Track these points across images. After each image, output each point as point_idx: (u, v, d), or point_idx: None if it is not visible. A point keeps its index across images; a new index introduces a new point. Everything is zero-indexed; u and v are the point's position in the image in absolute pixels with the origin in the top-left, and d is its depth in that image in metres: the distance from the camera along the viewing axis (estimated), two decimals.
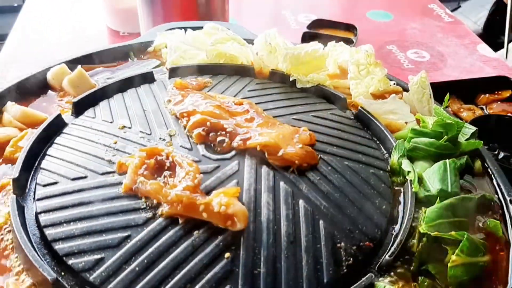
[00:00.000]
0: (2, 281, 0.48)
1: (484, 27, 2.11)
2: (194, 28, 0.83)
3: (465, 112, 1.03)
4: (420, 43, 1.39)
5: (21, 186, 0.55)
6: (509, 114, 1.03)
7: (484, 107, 1.06)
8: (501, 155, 0.83)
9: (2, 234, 0.52)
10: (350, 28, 1.37)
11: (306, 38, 1.29)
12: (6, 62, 1.21)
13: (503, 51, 1.47)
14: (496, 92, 1.08)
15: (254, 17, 1.51)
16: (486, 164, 0.62)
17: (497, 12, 2.14)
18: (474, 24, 2.16)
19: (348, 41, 1.28)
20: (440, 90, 1.05)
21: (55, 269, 0.46)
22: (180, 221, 0.49)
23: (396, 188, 0.57)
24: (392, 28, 1.47)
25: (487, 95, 1.07)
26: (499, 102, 1.07)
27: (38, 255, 0.47)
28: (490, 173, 0.61)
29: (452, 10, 2.35)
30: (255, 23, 1.46)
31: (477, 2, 2.27)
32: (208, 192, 0.51)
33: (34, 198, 0.53)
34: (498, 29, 2.05)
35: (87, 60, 0.80)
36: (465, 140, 0.63)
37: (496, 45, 1.56)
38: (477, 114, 0.99)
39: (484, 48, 1.37)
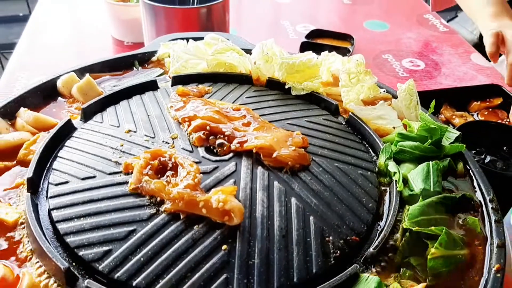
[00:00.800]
0: (18, 271, 0.52)
1: (479, 36, 2.15)
2: (195, 39, 0.86)
3: (457, 118, 1.06)
4: (415, 52, 1.43)
5: (34, 185, 0.58)
6: (499, 121, 1.07)
7: (476, 114, 1.10)
8: (488, 159, 0.87)
9: (17, 229, 0.57)
10: (347, 37, 1.41)
11: (305, 47, 1.33)
12: (14, 70, 1.24)
13: (503, 57, 1.51)
14: (487, 100, 1.12)
15: (254, 27, 1.55)
16: (468, 166, 0.66)
17: None
18: (470, 33, 2.20)
19: (345, 50, 1.33)
20: (433, 98, 1.09)
21: (67, 259, 0.50)
22: (181, 217, 0.53)
23: (383, 188, 0.61)
24: (388, 37, 1.51)
25: (479, 102, 1.11)
26: (490, 109, 1.10)
27: (52, 247, 0.51)
28: (472, 174, 0.65)
29: (449, 20, 2.39)
30: (255, 33, 1.51)
31: None
32: (207, 190, 0.55)
33: (47, 196, 0.57)
34: None
35: (95, 69, 0.83)
36: (449, 143, 0.67)
37: None
38: (469, 121, 1.03)
39: (477, 57, 1.41)
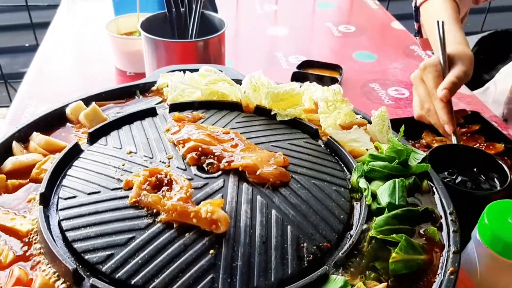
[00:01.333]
0: (31, 273, 0.59)
1: None
2: (191, 70, 0.94)
3: (436, 143, 1.14)
4: (400, 81, 1.52)
5: (46, 199, 0.66)
6: (476, 145, 1.15)
7: None
8: (459, 179, 0.94)
9: (30, 238, 0.64)
10: (336, 68, 1.50)
11: (296, 77, 1.43)
12: (23, 98, 1.33)
13: (487, 86, 1.59)
14: (467, 126, 1.20)
15: (250, 58, 1.65)
16: (432, 184, 0.74)
17: (481, 52, 2.29)
18: None
19: (334, 80, 1.42)
20: (414, 124, 1.18)
21: (75, 262, 0.57)
22: (175, 226, 0.60)
23: (354, 202, 0.69)
24: (375, 67, 1.60)
25: (458, 128, 1.19)
26: (469, 134, 1.18)
27: (61, 252, 0.58)
28: (435, 190, 0.72)
29: None
30: (250, 64, 1.61)
31: None
32: (198, 203, 0.63)
33: (57, 209, 0.64)
34: (482, 68, 2.20)
35: (100, 97, 0.91)
36: (417, 163, 0.75)
37: (479, 82, 1.68)
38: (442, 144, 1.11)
39: None
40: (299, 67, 1.50)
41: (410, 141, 1.16)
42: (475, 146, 1.12)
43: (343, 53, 1.70)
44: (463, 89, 1.46)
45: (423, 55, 1.69)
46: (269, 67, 1.57)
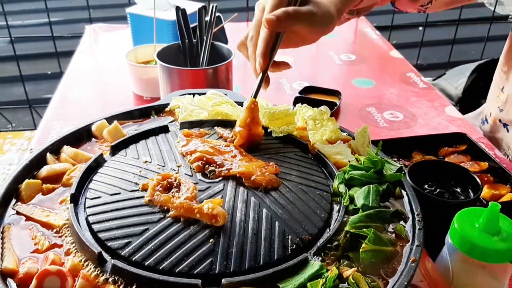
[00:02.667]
0: (64, 258, 0.71)
1: (463, 91, 2.36)
2: (200, 94, 1.07)
3: None
4: (396, 105, 1.62)
5: (76, 199, 0.78)
6: (462, 163, 1.26)
7: (443, 157, 1.28)
8: (437, 191, 1.05)
9: (62, 231, 0.77)
10: (335, 93, 1.62)
11: (298, 101, 1.55)
12: (49, 120, 1.46)
13: (478, 110, 1.69)
14: (454, 146, 1.31)
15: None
16: (404, 190, 0.85)
17: (479, 78, 2.41)
18: (455, 89, 2.42)
19: (333, 104, 1.54)
20: (406, 144, 1.29)
21: (99, 248, 0.70)
22: (182, 220, 0.72)
23: (335, 204, 0.81)
24: (373, 93, 1.71)
25: (446, 148, 1.30)
26: (456, 154, 1.29)
27: (88, 239, 0.71)
28: (406, 195, 0.84)
29: (439, 77, 2.62)
30: None
31: (459, 70, 2.53)
32: (201, 202, 0.76)
33: (84, 207, 0.76)
34: (479, 93, 2.31)
35: (121, 117, 1.03)
36: (392, 173, 0.87)
37: (475, 106, 1.79)
38: (422, 160, 1.21)
39: (451, 110, 1.59)
40: (301, 92, 1.61)
41: (401, 159, 1.27)
42: (461, 164, 1.21)
43: (343, 79, 1.80)
44: (455, 113, 1.56)
45: (418, 81, 1.79)
46: (274, 92, 1.69)
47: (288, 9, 0.82)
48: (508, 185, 1.13)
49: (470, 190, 1.03)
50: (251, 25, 0.90)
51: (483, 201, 1.10)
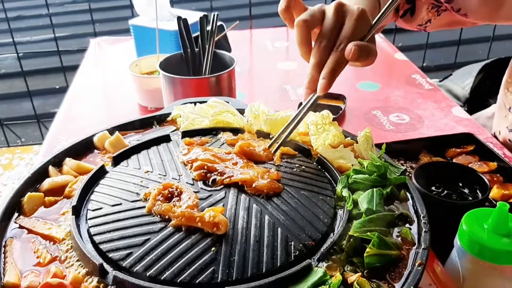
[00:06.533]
0: (65, 271, 0.71)
1: (470, 92, 2.34)
2: (201, 102, 1.07)
3: None
4: (401, 107, 1.61)
5: (77, 211, 0.77)
6: (470, 164, 1.24)
7: (450, 159, 1.27)
8: (445, 192, 1.04)
9: (64, 243, 0.76)
10: (340, 97, 1.61)
11: None
12: (55, 133, 1.47)
13: (486, 111, 1.68)
14: (462, 146, 1.29)
15: (261, 91, 1.77)
16: (408, 193, 0.84)
17: (487, 78, 2.38)
18: (462, 89, 2.39)
19: (338, 108, 1.53)
20: (413, 146, 1.28)
21: (101, 259, 0.70)
22: (183, 229, 0.71)
23: (338, 209, 0.80)
24: (378, 96, 1.70)
25: (454, 149, 1.28)
26: (464, 155, 1.28)
27: (90, 251, 0.70)
28: (411, 198, 0.83)
29: (445, 78, 2.60)
30: (262, 95, 1.73)
31: (466, 70, 2.51)
32: (202, 210, 0.75)
33: (86, 218, 0.76)
34: (486, 92, 2.29)
35: (122, 128, 1.04)
36: (396, 176, 0.86)
37: (483, 106, 1.77)
38: (431, 161, 1.20)
39: (458, 111, 1.58)
40: None
41: (408, 161, 1.26)
42: (470, 164, 1.20)
43: (348, 83, 1.80)
44: (462, 113, 1.55)
45: (424, 83, 1.78)
46: (278, 98, 1.69)
47: (370, 45, 0.87)
48: None
49: (478, 191, 1.02)
50: (325, 27, 0.85)
51: (493, 201, 1.08)
